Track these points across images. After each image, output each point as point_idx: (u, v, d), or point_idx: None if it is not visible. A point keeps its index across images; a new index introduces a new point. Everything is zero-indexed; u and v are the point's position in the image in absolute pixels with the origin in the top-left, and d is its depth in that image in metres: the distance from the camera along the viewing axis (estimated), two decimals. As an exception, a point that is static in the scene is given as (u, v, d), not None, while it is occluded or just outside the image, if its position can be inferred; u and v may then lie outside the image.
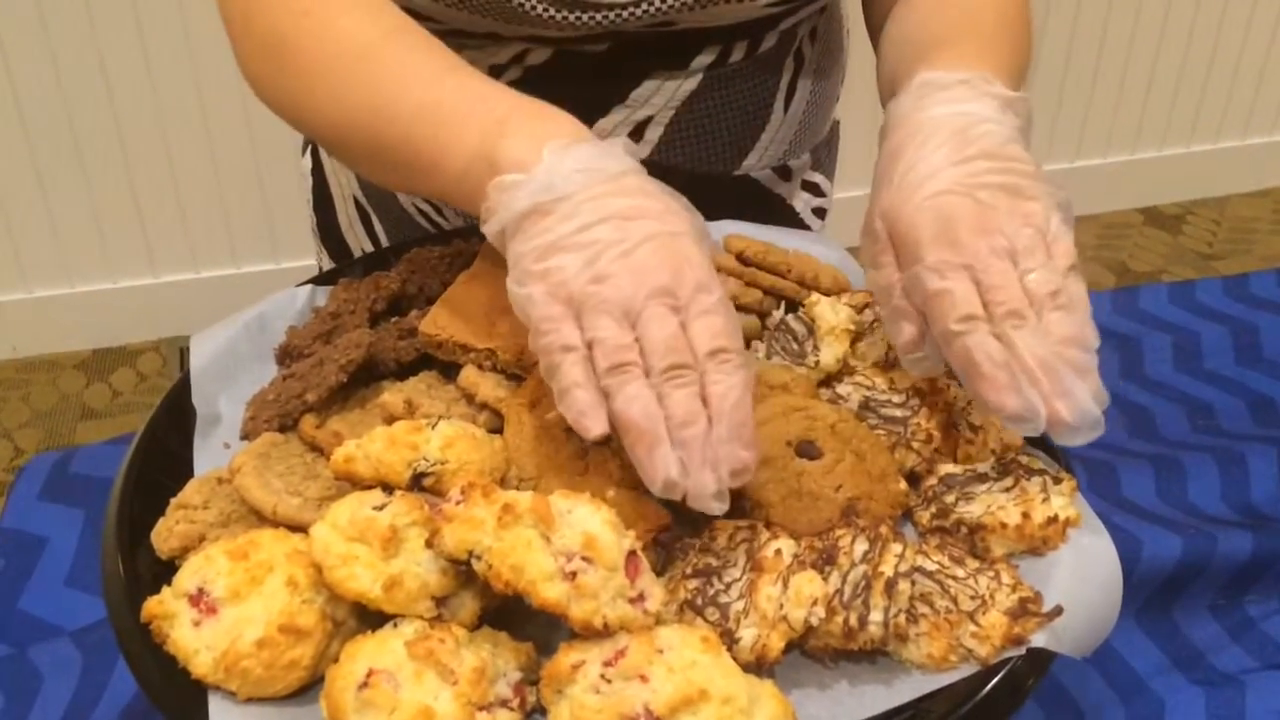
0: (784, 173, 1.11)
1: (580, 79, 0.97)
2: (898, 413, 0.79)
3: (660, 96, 0.99)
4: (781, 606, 0.65)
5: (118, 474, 0.78)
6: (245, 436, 0.80)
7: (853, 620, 0.65)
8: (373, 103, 0.79)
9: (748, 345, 0.87)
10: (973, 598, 0.67)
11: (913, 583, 0.67)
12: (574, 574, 0.61)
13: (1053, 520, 0.71)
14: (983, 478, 0.75)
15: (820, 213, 1.22)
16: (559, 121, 0.75)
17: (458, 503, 0.65)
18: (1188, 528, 0.99)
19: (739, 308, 0.88)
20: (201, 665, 0.63)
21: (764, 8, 0.95)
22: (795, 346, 0.84)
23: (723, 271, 0.89)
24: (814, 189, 1.18)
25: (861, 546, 0.68)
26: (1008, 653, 0.66)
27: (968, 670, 0.66)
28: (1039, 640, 0.66)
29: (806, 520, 0.73)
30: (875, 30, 1.01)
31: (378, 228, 1.16)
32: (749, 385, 0.67)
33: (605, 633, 0.62)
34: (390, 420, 0.79)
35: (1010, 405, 0.68)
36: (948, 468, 0.77)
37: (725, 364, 0.67)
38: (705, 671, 0.60)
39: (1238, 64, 3.05)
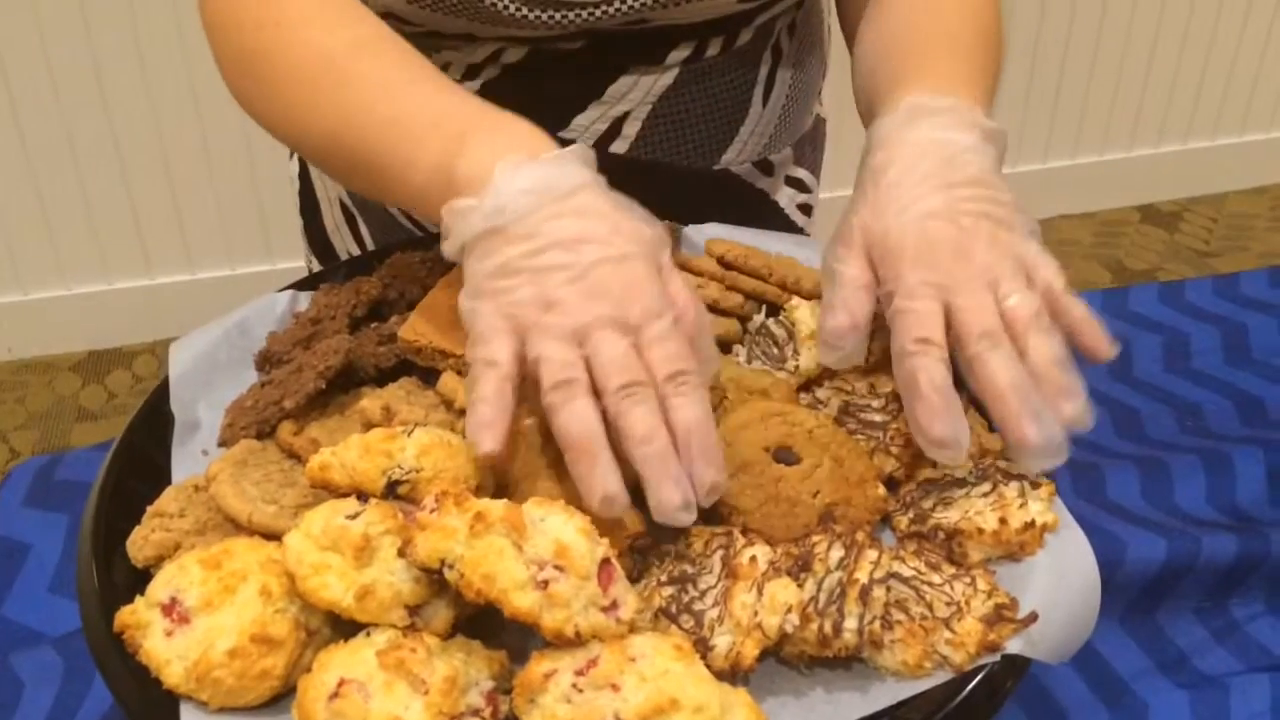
0: (765, 167, 1.10)
1: (556, 76, 0.97)
2: (877, 418, 0.79)
3: (637, 92, 0.99)
4: (756, 614, 0.65)
5: (94, 481, 0.77)
6: (223, 443, 0.80)
7: (827, 627, 0.65)
8: (340, 115, 0.80)
9: (728, 350, 0.87)
10: (948, 604, 0.67)
11: (888, 589, 0.67)
12: (546, 583, 0.61)
13: (1030, 525, 0.71)
14: (961, 483, 0.75)
15: (806, 209, 1.21)
16: (516, 135, 0.75)
17: (431, 511, 0.64)
18: (1172, 530, 0.98)
19: (719, 312, 0.88)
20: (173, 675, 0.63)
21: (737, 3, 0.95)
22: (775, 351, 0.84)
23: (703, 275, 0.89)
24: (799, 184, 1.18)
25: (837, 553, 0.68)
26: (983, 659, 0.65)
27: (943, 677, 0.65)
28: (1014, 647, 0.66)
29: (784, 526, 0.72)
30: (850, 31, 1.01)
31: (363, 230, 1.16)
32: (709, 405, 0.68)
33: (577, 642, 0.62)
34: (369, 427, 0.78)
35: (936, 431, 0.70)
36: (926, 473, 0.77)
37: (683, 386, 0.67)
38: (677, 680, 0.60)
39: (1234, 60, 3.05)
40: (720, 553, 0.69)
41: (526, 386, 0.70)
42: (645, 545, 0.71)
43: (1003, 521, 0.71)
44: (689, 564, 0.69)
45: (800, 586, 0.66)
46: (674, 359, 0.67)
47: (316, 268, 1.25)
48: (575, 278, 0.68)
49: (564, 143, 1.00)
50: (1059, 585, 0.70)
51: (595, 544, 0.64)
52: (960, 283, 0.72)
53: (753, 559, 0.67)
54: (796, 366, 0.82)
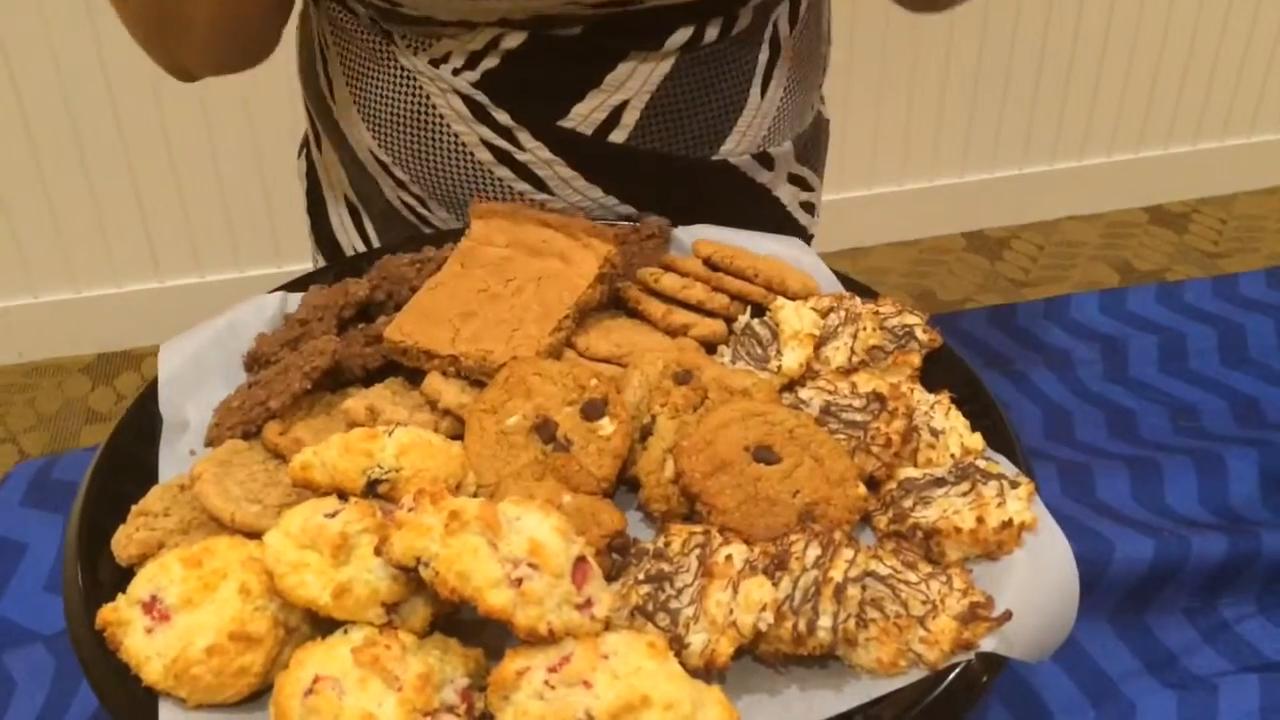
0: (765, 160, 1.10)
1: (556, 63, 0.98)
2: (859, 417, 0.79)
3: (635, 80, 0.99)
4: (731, 612, 0.65)
5: (84, 479, 0.78)
6: (210, 443, 0.81)
7: (801, 625, 0.65)
8: None
9: (712, 351, 0.87)
10: (923, 602, 0.67)
11: (864, 588, 0.67)
12: (519, 580, 0.62)
13: (1007, 524, 0.71)
14: (940, 482, 0.75)
15: (809, 207, 1.22)
16: None
17: (409, 510, 0.65)
18: (1161, 530, 0.98)
19: (705, 312, 0.88)
20: (152, 672, 0.64)
21: None
22: (759, 351, 0.85)
23: (689, 275, 0.89)
24: (801, 183, 1.18)
25: (814, 552, 0.68)
26: (957, 658, 0.65)
27: (917, 675, 0.66)
28: (989, 645, 0.66)
29: (764, 525, 0.73)
30: None
31: (368, 225, 1.17)
32: None
33: (551, 639, 0.62)
34: (353, 427, 0.79)
35: None
36: (907, 472, 0.77)
37: None
38: (649, 678, 0.61)
39: (1243, 61, 3.03)
40: (697, 552, 0.69)
41: (513, 390, 0.71)
42: (623, 544, 0.71)
43: (980, 520, 0.71)
44: (666, 563, 0.69)
45: (776, 585, 0.67)
46: None
47: (321, 263, 1.25)
48: None
49: (562, 131, 1.01)
50: (1036, 584, 0.70)
51: (570, 543, 0.64)
52: None
53: (728, 558, 0.67)
54: (779, 367, 0.82)
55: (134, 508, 0.75)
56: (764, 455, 0.75)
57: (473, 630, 0.68)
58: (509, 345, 0.81)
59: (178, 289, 2.72)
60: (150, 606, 0.66)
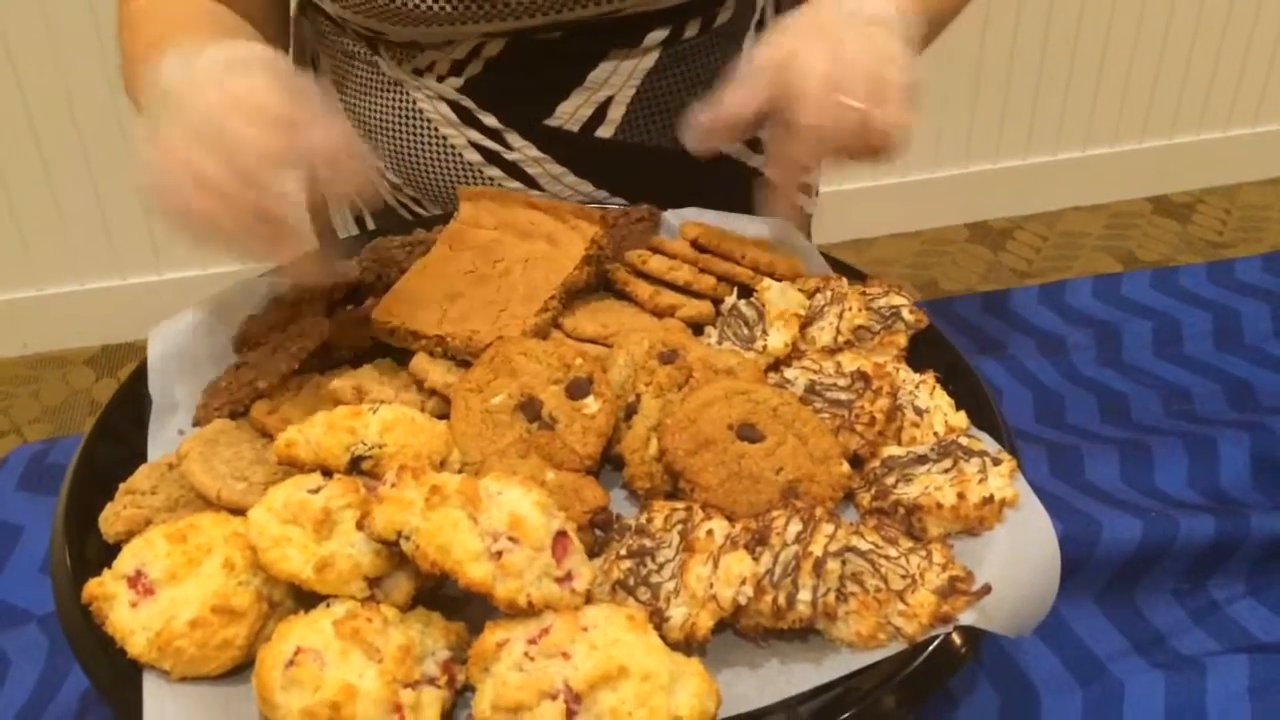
0: (756, 146, 1.11)
1: (537, 66, 0.99)
2: (843, 396, 0.79)
3: (618, 76, 1.00)
4: (711, 586, 0.66)
5: (73, 458, 0.79)
6: (198, 423, 0.81)
7: (781, 599, 0.66)
8: (129, 52, 0.93)
9: (699, 332, 0.87)
10: (903, 577, 0.67)
11: (844, 562, 0.67)
12: (499, 553, 0.62)
13: (989, 500, 0.71)
14: (923, 459, 0.75)
15: (805, 189, 1.22)
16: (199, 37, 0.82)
17: (392, 486, 0.65)
18: (1149, 511, 0.98)
19: (691, 294, 0.88)
20: (136, 645, 0.65)
21: None
22: (745, 331, 0.85)
23: (676, 258, 0.90)
24: None
25: (795, 527, 0.69)
26: (935, 631, 0.66)
27: (896, 648, 0.66)
28: (968, 619, 0.66)
29: (747, 502, 0.73)
30: None
31: (370, 224, 1.18)
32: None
33: (531, 612, 0.62)
34: (340, 406, 0.80)
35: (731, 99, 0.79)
36: (890, 450, 0.77)
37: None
38: (627, 649, 0.61)
39: (1247, 51, 3.02)
40: (679, 527, 0.70)
41: (498, 369, 0.71)
42: (605, 520, 0.72)
43: (961, 496, 0.71)
44: (648, 538, 0.70)
45: (756, 560, 0.67)
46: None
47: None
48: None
49: (549, 129, 1.02)
50: (1016, 559, 0.70)
51: (550, 517, 0.65)
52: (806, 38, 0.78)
53: (709, 533, 0.68)
54: (765, 346, 0.83)
55: (121, 486, 0.75)
56: (747, 433, 0.76)
57: (456, 606, 0.68)
58: (495, 325, 0.82)
59: (181, 281, 2.72)
60: (135, 581, 0.66)
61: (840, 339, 0.84)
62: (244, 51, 0.77)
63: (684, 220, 0.95)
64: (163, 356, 0.86)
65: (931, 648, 0.65)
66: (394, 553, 0.66)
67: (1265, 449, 1.09)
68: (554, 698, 0.59)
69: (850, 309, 0.85)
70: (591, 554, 0.70)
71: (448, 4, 0.93)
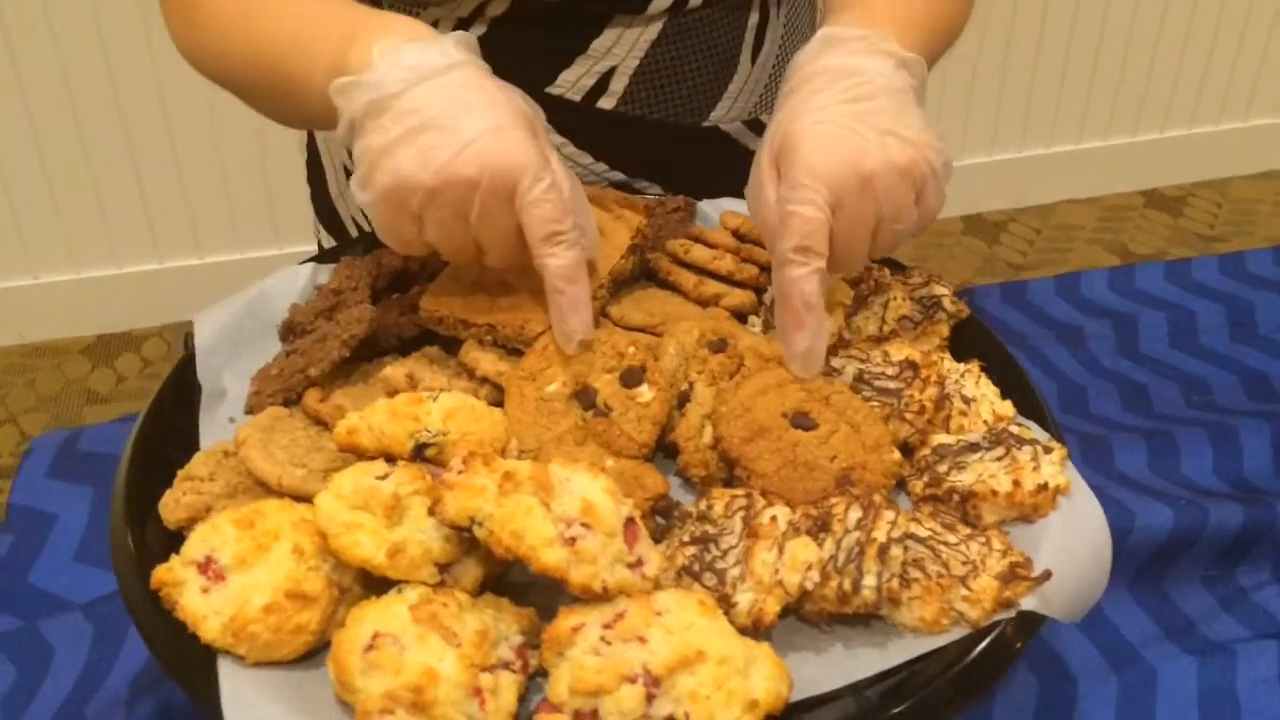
0: (756, 127, 1.11)
1: (541, 29, 0.98)
2: (892, 385, 0.80)
3: (622, 46, 0.99)
4: (777, 572, 0.67)
5: (125, 448, 0.79)
6: (250, 411, 0.81)
7: (846, 585, 0.67)
8: (252, 40, 0.86)
9: (743, 321, 0.88)
10: (964, 563, 0.68)
11: (905, 548, 0.68)
12: (573, 539, 0.63)
13: (1043, 488, 0.72)
14: (974, 447, 0.76)
15: None
16: (398, 25, 0.79)
17: (459, 472, 0.66)
18: (1179, 500, 1.00)
19: (735, 283, 0.89)
20: (210, 630, 0.65)
21: None
22: (791, 321, 0.86)
23: (718, 248, 0.90)
24: None
25: (855, 514, 0.70)
26: (998, 616, 0.67)
27: (959, 633, 0.67)
28: (1029, 604, 0.67)
29: (803, 489, 0.74)
30: None
31: None
32: (581, 262, 0.77)
33: (604, 597, 0.63)
34: (393, 394, 0.80)
35: (797, 344, 0.77)
36: (940, 438, 0.78)
37: (559, 244, 0.75)
38: (702, 633, 0.62)
39: (1240, 45, 3.05)
40: (741, 514, 0.70)
41: (551, 358, 0.73)
42: (667, 507, 0.73)
43: (1016, 484, 0.72)
44: (710, 525, 0.70)
45: (819, 546, 0.68)
46: (549, 221, 0.74)
47: (324, 236, 1.26)
48: (456, 153, 0.73)
49: (550, 98, 1.01)
50: (1071, 546, 0.71)
51: (620, 504, 0.66)
52: (850, 190, 0.75)
53: (773, 519, 0.69)
54: (813, 335, 0.83)
55: (179, 473, 0.76)
56: (801, 421, 0.77)
57: (519, 592, 0.69)
58: (545, 314, 0.82)
59: (177, 270, 2.71)
60: (205, 567, 0.67)
61: (885, 328, 0.85)
62: (451, 52, 0.77)
63: (724, 210, 0.95)
64: (208, 344, 0.86)
65: (996, 632, 0.66)
66: (463, 539, 0.67)
67: (1285, 438, 1.11)
68: (633, 681, 0.60)
69: (895, 299, 0.86)
70: (653, 540, 0.71)
71: None
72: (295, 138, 1.29)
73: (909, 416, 0.79)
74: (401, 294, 0.90)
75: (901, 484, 0.77)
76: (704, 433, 0.77)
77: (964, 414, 0.80)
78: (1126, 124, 3.10)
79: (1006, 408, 0.81)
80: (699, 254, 0.89)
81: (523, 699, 0.64)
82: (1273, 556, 1.01)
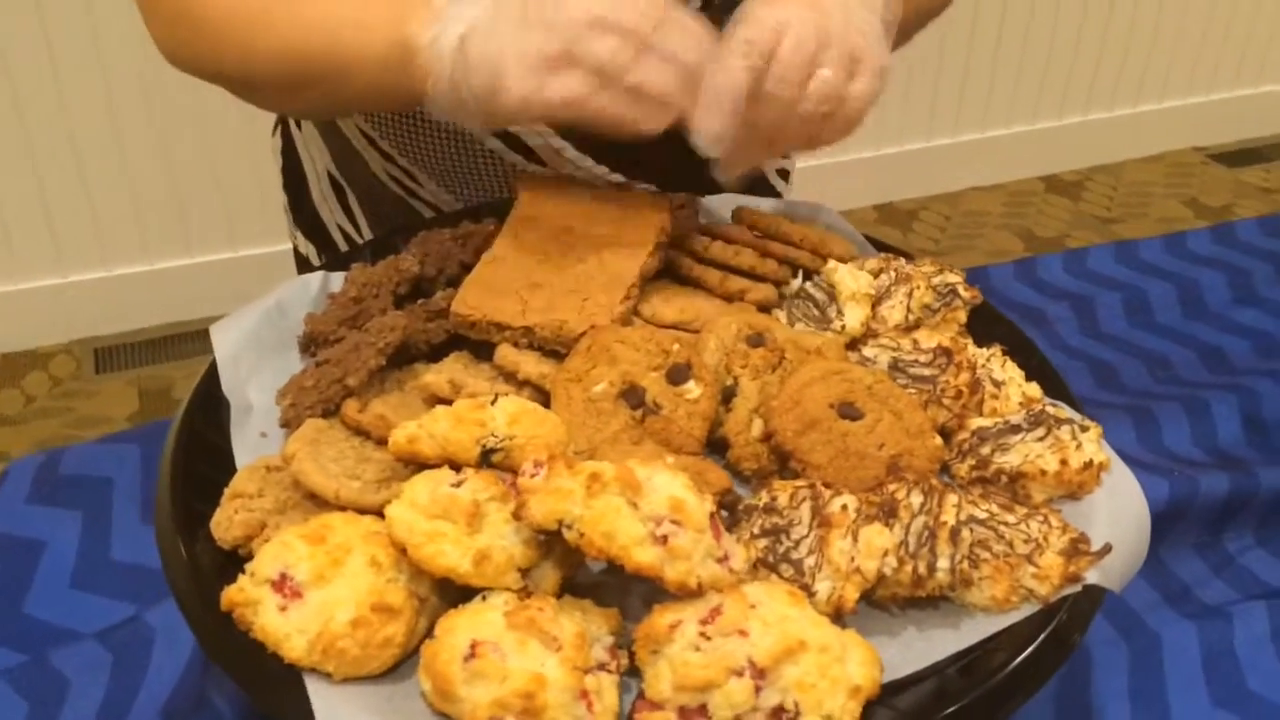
0: None
1: None
2: (926, 371, 0.82)
3: None
4: (853, 559, 0.68)
5: (162, 466, 0.77)
6: (286, 424, 0.80)
7: (921, 568, 0.68)
8: (290, 28, 0.85)
9: (767, 314, 0.89)
10: (1026, 541, 0.70)
11: (970, 530, 0.70)
12: (665, 537, 0.63)
13: (1088, 465, 0.75)
14: (1016, 429, 0.79)
15: (784, 174, 1.25)
16: None
17: (532, 475, 0.66)
18: (1171, 472, 1.04)
19: (756, 278, 0.90)
20: (295, 649, 0.63)
21: None
22: (817, 313, 0.87)
23: (737, 243, 0.91)
24: None
25: (917, 498, 0.71)
26: (1065, 591, 0.69)
27: (1029, 610, 0.69)
28: (1092, 577, 0.70)
29: (856, 478, 0.75)
30: None
31: (352, 201, 1.16)
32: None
33: (698, 592, 0.64)
34: (434, 401, 0.79)
35: (709, 126, 0.78)
36: (979, 421, 0.81)
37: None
38: (799, 623, 0.63)
39: (1130, 33, 3.18)
40: (807, 504, 0.71)
41: (596, 358, 0.72)
42: (732, 501, 0.73)
43: (1064, 463, 0.75)
44: (778, 516, 0.71)
45: (889, 531, 0.69)
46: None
47: (304, 244, 1.24)
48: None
49: None
50: (1118, 519, 0.74)
51: (703, 499, 0.66)
52: (793, 26, 0.78)
53: (844, 507, 0.70)
54: (843, 327, 0.85)
55: (227, 491, 0.74)
56: (848, 412, 0.78)
57: (585, 593, 0.69)
58: (582, 315, 0.82)
59: (82, 284, 2.62)
60: (280, 585, 0.65)
61: (911, 317, 0.87)
62: None
63: (737, 205, 0.96)
64: (229, 357, 0.84)
65: (1068, 606, 0.69)
66: (542, 543, 0.67)
67: (1252, 409, 1.17)
68: (740, 674, 0.61)
69: (918, 288, 0.88)
70: (720, 535, 0.71)
71: None
72: (271, 131, 1.25)
73: (946, 402, 0.81)
74: (424, 299, 0.88)
75: (945, 468, 0.79)
76: (753, 426, 0.78)
77: (995, 397, 0.82)
78: (1026, 112, 3.21)
79: (1034, 389, 0.83)
80: (719, 250, 0.90)
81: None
82: (1254, 522, 1.06)
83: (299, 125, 1.19)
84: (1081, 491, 0.76)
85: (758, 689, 0.61)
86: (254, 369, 0.84)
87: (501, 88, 0.77)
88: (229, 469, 0.77)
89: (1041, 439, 0.77)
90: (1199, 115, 3.40)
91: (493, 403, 0.73)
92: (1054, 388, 0.85)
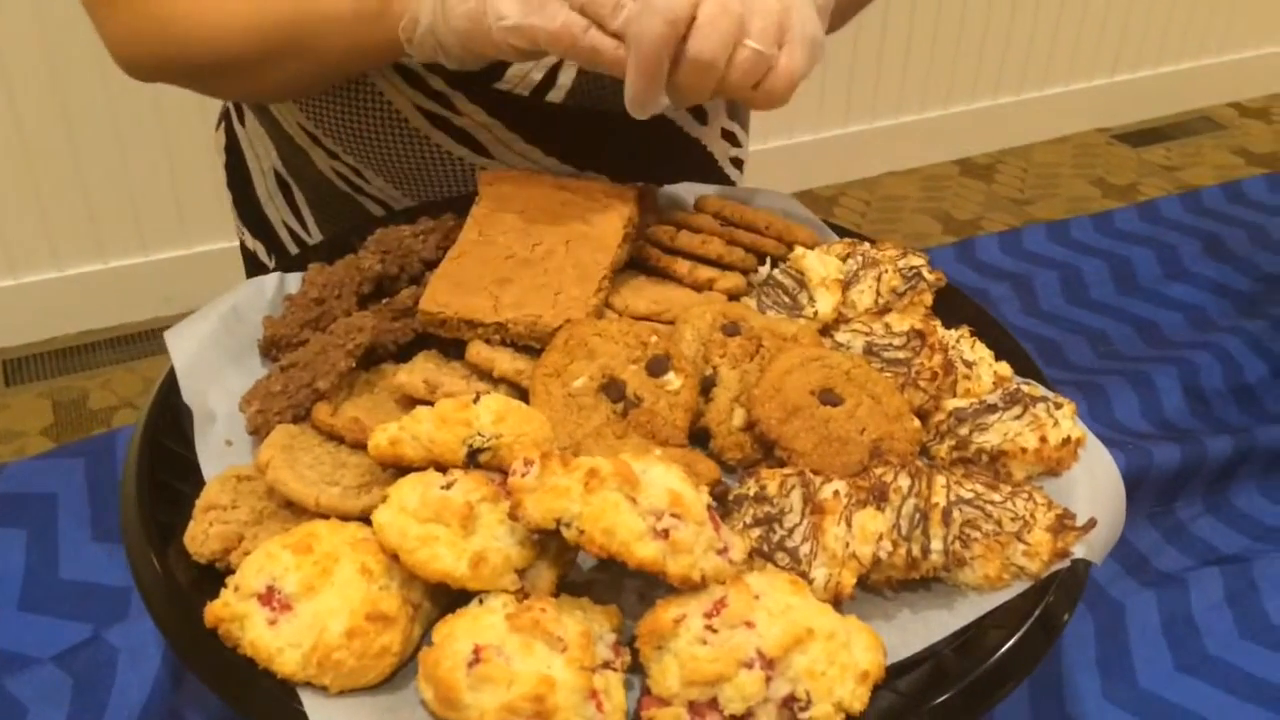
0: (700, 115, 1.12)
1: None
2: (900, 355, 0.82)
3: None
4: (848, 545, 0.68)
5: (125, 479, 0.74)
6: (254, 431, 0.77)
7: (915, 550, 0.68)
8: (254, 9, 0.85)
9: (737, 301, 0.89)
10: (1014, 519, 0.71)
11: (959, 510, 0.70)
12: (666, 531, 0.62)
13: (1066, 441, 0.76)
14: (992, 408, 0.79)
15: (738, 163, 1.25)
16: None
17: (523, 474, 0.64)
18: (1126, 444, 1.06)
19: (724, 266, 0.90)
20: (288, 664, 0.61)
21: None
22: (787, 300, 0.87)
23: (704, 231, 0.91)
24: (731, 138, 1.21)
25: (905, 481, 0.71)
26: (1054, 566, 0.70)
27: (1020, 587, 0.70)
28: (1079, 551, 0.71)
29: (840, 463, 0.75)
30: None
31: (298, 197, 1.13)
32: None
33: (701, 585, 0.63)
34: (407, 402, 0.77)
35: (634, 84, 0.76)
36: (954, 402, 0.81)
37: None
38: (803, 612, 0.62)
39: (1035, 18, 3.25)
40: (797, 491, 0.71)
41: (574, 352, 0.71)
42: (722, 492, 0.73)
43: (1043, 440, 0.76)
44: (769, 505, 0.71)
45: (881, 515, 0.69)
46: None
47: (250, 240, 1.20)
48: None
49: (498, 93, 1.00)
50: (1097, 493, 0.75)
51: (699, 492, 0.65)
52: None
53: (835, 493, 0.70)
54: (815, 312, 0.85)
55: (198, 503, 0.71)
56: (829, 398, 0.78)
57: (579, 591, 0.68)
58: (556, 309, 0.81)
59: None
60: (268, 598, 0.63)
61: (881, 301, 0.87)
62: None
63: (699, 195, 0.96)
64: (189, 364, 0.81)
65: (1057, 581, 0.69)
66: (536, 543, 0.65)
67: (1191, 380, 1.20)
68: (749, 666, 0.60)
69: (886, 271, 0.88)
70: (710, 526, 0.71)
71: None
72: (213, 128, 1.21)
73: (922, 384, 0.81)
74: (388, 299, 0.86)
75: (923, 450, 0.80)
76: (734, 415, 0.78)
77: (968, 378, 0.83)
78: (939, 96, 3.26)
79: (1004, 368, 0.84)
80: (687, 240, 0.89)
81: (622, 696, 0.63)
82: (1203, 490, 1.09)
83: (243, 122, 1.16)
84: (1060, 467, 0.76)
85: (768, 679, 0.60)
86: (214, 375, 0.81)
87: (494, 12, 0.76)
88: (194, 479, 0.75)
89: (1019, 417, 0.78)
90: (1102, 97, 3.49)
91: (475, 401, 0.71)
92: (1022, 365, 0.86)
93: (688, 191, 0.99)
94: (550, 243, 0.86)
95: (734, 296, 0.89)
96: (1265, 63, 3.68)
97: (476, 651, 0.60)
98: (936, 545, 0.68)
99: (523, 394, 0.78)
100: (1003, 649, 0.66)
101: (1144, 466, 1.05)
